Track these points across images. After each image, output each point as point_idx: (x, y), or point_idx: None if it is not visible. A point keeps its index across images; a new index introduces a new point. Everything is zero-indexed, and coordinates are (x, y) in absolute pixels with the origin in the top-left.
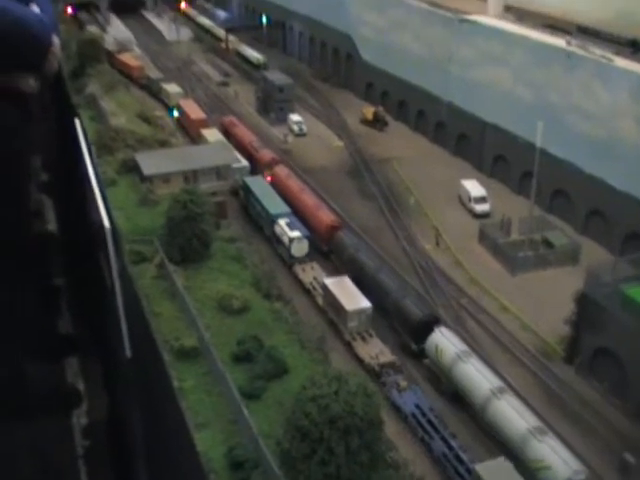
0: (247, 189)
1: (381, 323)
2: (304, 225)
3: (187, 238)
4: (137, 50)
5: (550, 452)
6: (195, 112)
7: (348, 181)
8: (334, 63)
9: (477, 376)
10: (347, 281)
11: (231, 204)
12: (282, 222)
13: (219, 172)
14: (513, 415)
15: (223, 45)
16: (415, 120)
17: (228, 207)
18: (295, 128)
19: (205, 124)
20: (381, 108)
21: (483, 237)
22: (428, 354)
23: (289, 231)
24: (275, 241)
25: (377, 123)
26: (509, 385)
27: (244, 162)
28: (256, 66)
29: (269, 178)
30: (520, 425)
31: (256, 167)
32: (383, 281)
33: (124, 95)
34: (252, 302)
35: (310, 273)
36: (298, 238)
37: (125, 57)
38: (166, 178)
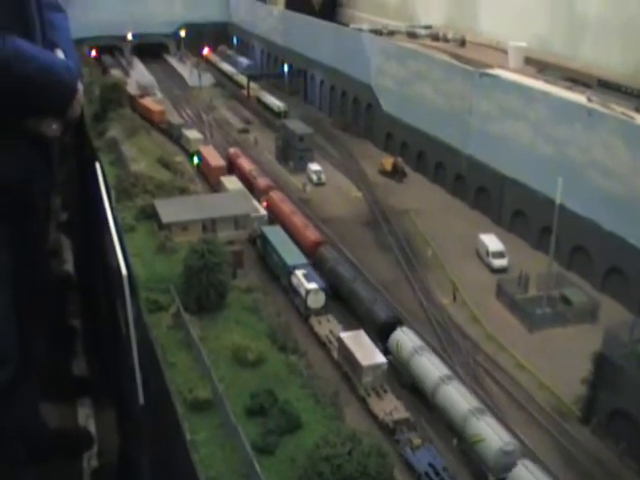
0: (264, 238)
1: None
2: (293, 241)
3: (204, 288)
4: (159, 94)
5: (486, 427)
6: (215, 159)
7: (366, 232)
8: (354, 113)
9: (429, 366)
10: (363, 336)
11: (248, 253)
12: (299, 273)
13: (237, 221)
14: (457, 398)
15: (244, 92)
16: (434, 172)
17: (245, 256)
18: (314, 177)
19: (224, 171)
20: (400, 159)
21: (501, 292)
22: (390, 350)
23: (306, 282)
24: (291, 292)
25: (396, 174)
26: (523, 444)
27: (262, 211)
28: (277, 114)
29: (265, 203)
30: (462, 406)
31: (254, 193)
32: (357, 290)
33: (145, 140)
34: (267, 354)
35: (326, 326)
36: (315, 290)
37: (147, 101)
38: (184, 226)
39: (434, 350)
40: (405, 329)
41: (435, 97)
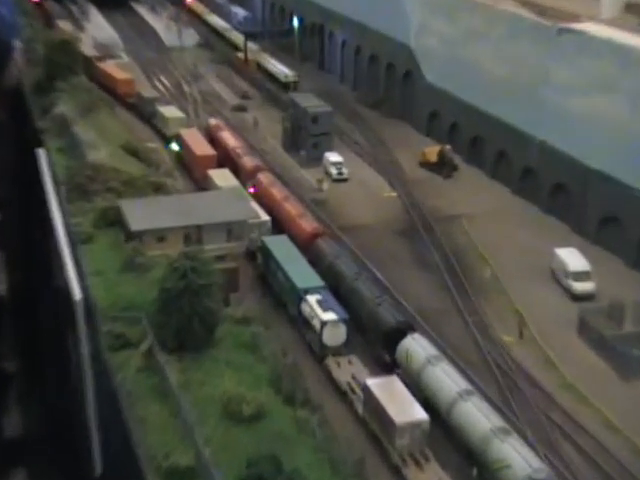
0: (267, 253)
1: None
2: (287, 234)
3: (186, 318)
4: (125, 57)
5: (511, 451)
6: (201, 146)
7: (401, 245)
8: (387, 84)
9: (445, 379)
10: (397, 383)
11: (245, 272)
12: (312, 299)
13: (231, 229)
14: (477, 416)
15: (241, 55)
16: (494, 164)
17: (241, 276)
18: (333, 171)
19: (214, 163)
20: (449, 147)
21: (584, 327)
22: (399, 362)
23: (321, 312)
24: (302, 324)
25: (443, 167)
26: None
27: (264, 216)
28: (284, 85)
29: (252, 189)
30: (483, 425)
31: (239, 177)
32: (359, 290)
33: (106, 119)
34: (269, 407)
35: (347, 369)
36: (333, 322)
37: (109, 67)
38: (161, 236)
39: (494, 405)
40: (417, 336)
41: (497, 63)
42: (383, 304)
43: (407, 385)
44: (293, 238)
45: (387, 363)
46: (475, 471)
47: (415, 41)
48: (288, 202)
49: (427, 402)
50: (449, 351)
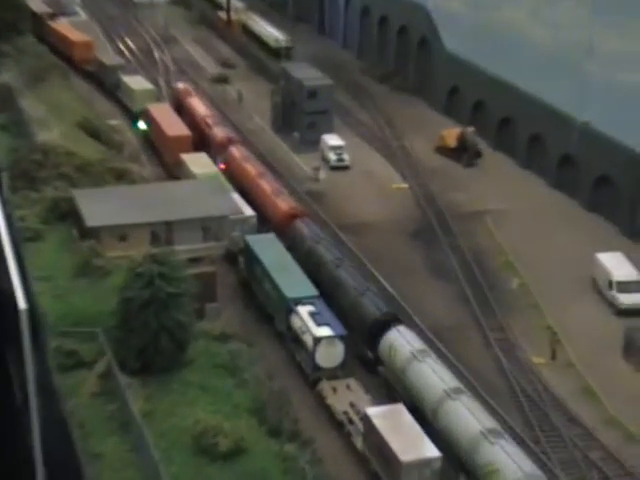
0: (251, 255)
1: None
2: (261, 214)
3: (152, 333)
4: (82, 15)
5: (501, 454)
6: (173, 125)
7: (413, 248)
8: (399, 53)
9: (431, 376)
10: (403, 413)
11: (224, 278)
12: (304, 311)
13: (208, 227)
14: (466, 416)
15: (223, 15)
16: (526, 151)
17: (220, 283)
18: (332, 157)
19: (189, 145)
20: (471, 129)
21: (631, 348)
22: (382, 357)
23: (314, 326)
24: (292, 341)
25: (464, 153)
26: None
27: (248, 211)
28: (274, 52)
29: (222, 166)
30: (472, 427)
31: (209, 151)
32: (341, 278)
33: (59, 90)
34: (250, 441)
35: (345, 396)
36: (328, 339)
37: (63, 26)
38: (122, 234)
39: (522, 444)
40: (402, 328)
41: (532, 28)
42: (367, 294)
43: (389, 386)
44: (268, 219)
45: (369, 360)
46: (462, 478)
47: (433, 1)
48: (263, 179)
49: (411, 403)
50: (468, 376)
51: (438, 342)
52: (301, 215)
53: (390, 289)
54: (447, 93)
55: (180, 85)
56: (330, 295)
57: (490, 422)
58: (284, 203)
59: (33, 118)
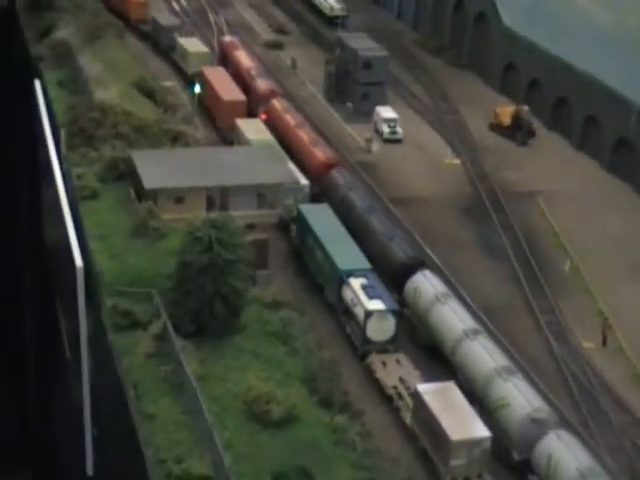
0: (304, 224)
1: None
2: (298, 164)
3: (208, 298)
4: None
5: (513, 390)
6: (229, 90)
7: (464, 225)
8: (455, 27)
9: (452, 317)
10: (454, 391)
11: (276, 245)
12: (355, 284)
13: (263, 194)
14: (482, 355)
15: None
16: (582, 132)
17: (272, 250)
18: (385, 129)
19: (243, 110)
20: (526, 108)
21: None
22: (407, 300)
23: (365, 299)
24: (342, 312)
25: (518, 132)
26: None
27: (302, 180)
28: (329, 20)
29: (263, 116)
30: (487, 364)
31: (251, 102)
32: (371, 223)
33: (116, 49)
34: (301, 410)
35: (395, 370)
36: (379, 312)
37: None
38: (179, 197)
39: (570, 428)
40: (428, 273)
41: (595, 8)
42: (395, 239)
43: (413, 327)
44: (305, 169)
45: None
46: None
47: None
48: (302, 129)
49: (433, 345)
50: (517, 356)
51: (488, 321)
52: (337, 165)
53: (440, 264)
54: (503, 70)
55: (226, 38)
56: (361, 240)
57: (504, 361)
58: (321, 153)
59: (90, 76)
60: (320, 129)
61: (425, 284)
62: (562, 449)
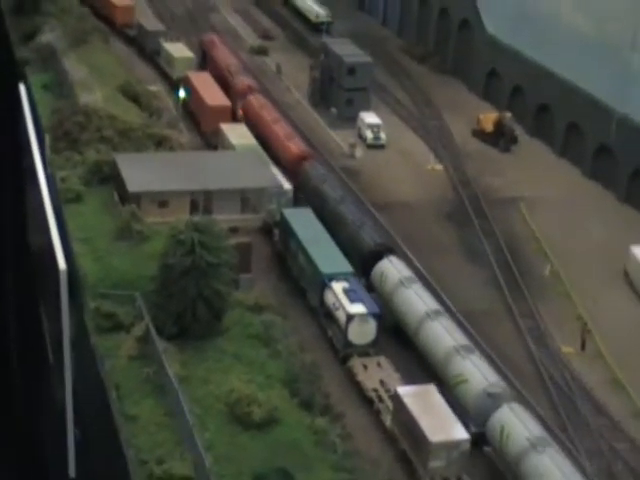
0: (287, 228)
1: None
2: (273, 158)
3: (190, 301)
4: None
5: (471, 367)
6: (213, 94)
7: (446, 230)
8: (440, 33)
9: (415, 300)
10: (433, 394)
11: (259, 249)
12: (338, 287)
13: (246, 198)
14: (442, 334)
15: None
16: (563, 139)
17: (255, 254)
18: (368, 135)
19: (228, 115)
20: (509, 115)
21: None
22: (373, 284)
23: (347, 303)
24: (324, 316)
25: (500, 138)
26: None
27: (285, 184)
28: (314, 25)
29: (241, 112)
30: (447, 343)
31: (230, 98)
32: (342, 213)
33: (101, 53)
34: (282, 412)
35: (376, 373)
36: (361, 316)
37: None
38: (163, 200)
39: (549, 431)
40: (393, 258)
41: (575, 16)
42: (364, 227)
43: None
44: (280, 161)
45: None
46: None
47: None
48: (277, 124)
49: (398, 326)
50: (497, 360)
51: (468, 325)
52: (310, 158)
53: (421, 268)
54: (486, 76)
55: (206, 36)
56: (332, 229)
57: (463, 340)
58: (295, 146)
59: (75, 79)
60: (304, 134)
61: (391, 269)
62: (513, 420)
